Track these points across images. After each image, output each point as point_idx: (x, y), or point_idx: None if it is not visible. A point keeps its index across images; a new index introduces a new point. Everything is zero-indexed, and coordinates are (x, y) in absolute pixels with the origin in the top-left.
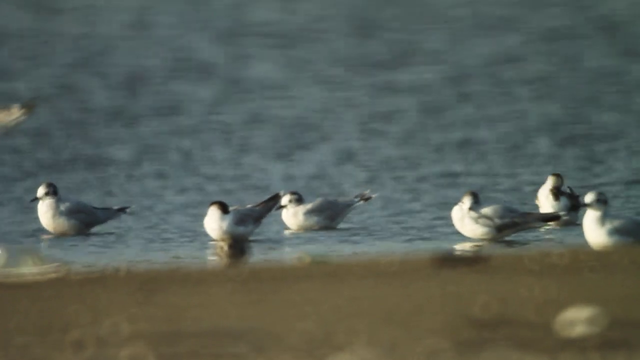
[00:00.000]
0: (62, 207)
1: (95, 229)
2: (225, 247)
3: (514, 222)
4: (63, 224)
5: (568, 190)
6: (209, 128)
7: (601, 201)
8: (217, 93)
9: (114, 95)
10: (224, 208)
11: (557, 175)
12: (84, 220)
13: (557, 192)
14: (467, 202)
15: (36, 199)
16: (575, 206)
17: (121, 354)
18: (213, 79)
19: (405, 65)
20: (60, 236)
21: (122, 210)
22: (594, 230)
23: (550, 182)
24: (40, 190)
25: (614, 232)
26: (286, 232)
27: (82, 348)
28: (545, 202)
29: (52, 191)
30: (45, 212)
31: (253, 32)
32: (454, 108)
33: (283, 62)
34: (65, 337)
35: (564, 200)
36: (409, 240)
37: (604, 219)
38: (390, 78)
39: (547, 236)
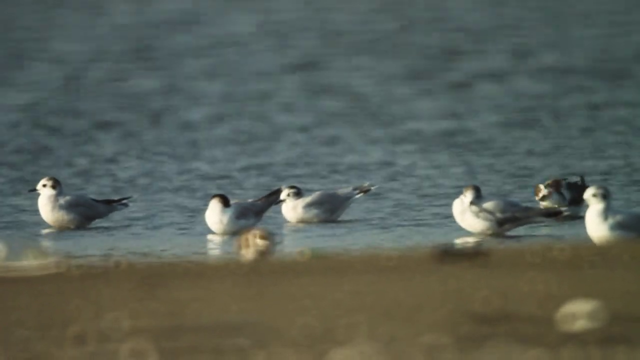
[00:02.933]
0: (62, 200)
1: (95, 223)
2: (261, 243)
3: (516, 216)
4: (63, 217)
5: (579, 181)
6: (214, 121)
7: (603, 195)
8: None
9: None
10: (225, 201)
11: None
12: (84, 214)
13: (557, 185)
14: (468, 196)
15: (34, 190)
16: (577, 200)
17: (122, 349)
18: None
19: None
20: (60, 230)
21: (122, 203)
22: (596, 225)
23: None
24: (40, 183)
25: (616, 226)
26: (286, 225)
27: (83, 343)
28: (547, 196)
29: (52, 185)
30: (45, 205)
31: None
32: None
33: None
34: (66, 332)
35: (565, 194)
36: (409, 234)
37: (606, 213)
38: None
39: (548, 231)
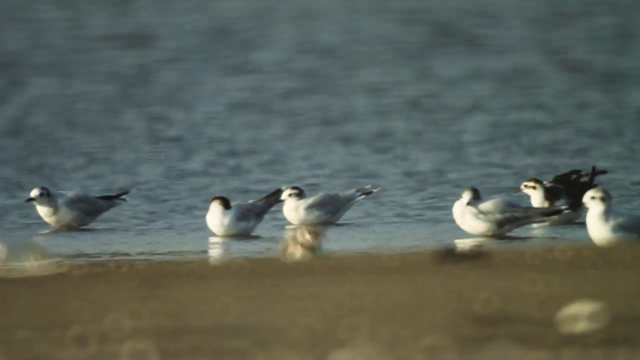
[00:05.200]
0: (61, 200)
1: (96, 224)
2: (310, 238)
3: (515, 216)
4: (65, 216)
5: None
6: (214, 120)
7: (602, 198)
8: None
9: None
10: (225, 203)
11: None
12: (86, 210)
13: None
14: (466, 197)
15: (31, 200)
16: (577, 203)
17: (123, 350)
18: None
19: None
20: (62, 229)
21: (121, 198)
22: (597, 227)
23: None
24: (35, 192)
25: (617, 228)
26: (287, 226)
27: (84, 343)
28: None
29: (47, 193)
30: (44, 209)
31: None
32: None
33: None
34: (67, 333)
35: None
36: (411, 235)
37: (607, 215)
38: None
39: (549, 232)
